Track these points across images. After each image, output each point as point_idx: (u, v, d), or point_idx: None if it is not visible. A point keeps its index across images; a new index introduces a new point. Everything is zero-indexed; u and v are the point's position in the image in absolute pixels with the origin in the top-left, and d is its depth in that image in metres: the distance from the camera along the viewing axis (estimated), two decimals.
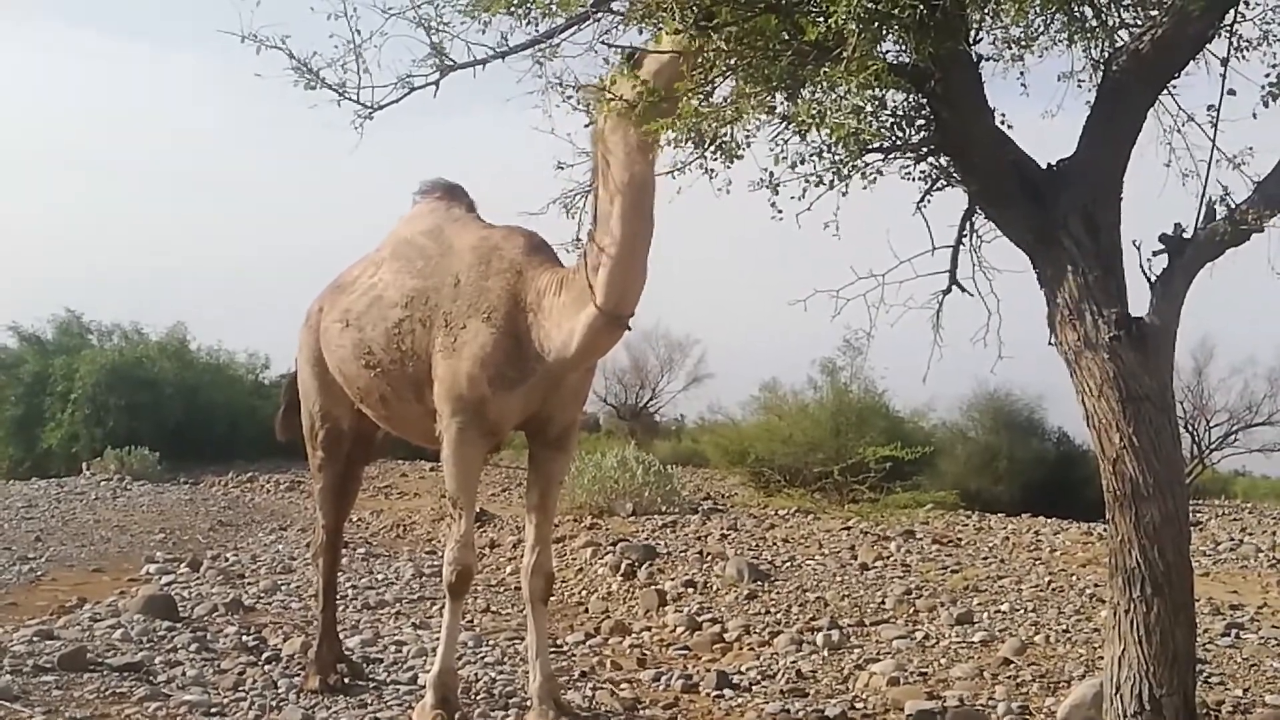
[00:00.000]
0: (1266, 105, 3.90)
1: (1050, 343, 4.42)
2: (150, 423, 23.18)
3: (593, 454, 15.90)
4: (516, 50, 4.74)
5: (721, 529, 12.80)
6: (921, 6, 3.65)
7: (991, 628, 7.34)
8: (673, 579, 8.96)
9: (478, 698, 5.73)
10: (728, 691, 6.06)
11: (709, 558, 9.67)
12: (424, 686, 5.41)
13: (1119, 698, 4.18)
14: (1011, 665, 6.44)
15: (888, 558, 10.41)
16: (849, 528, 13.37)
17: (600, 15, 4.57)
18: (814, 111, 3.73)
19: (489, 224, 5.44)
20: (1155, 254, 4.27)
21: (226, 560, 10.83)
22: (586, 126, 4.74)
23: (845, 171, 4.17)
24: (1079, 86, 4.58)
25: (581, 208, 5.13)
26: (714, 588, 8.65)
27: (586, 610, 8.57)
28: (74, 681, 5.55)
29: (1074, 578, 9.25)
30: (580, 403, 5.44)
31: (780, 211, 4.06)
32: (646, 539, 11.35)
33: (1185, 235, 4.26)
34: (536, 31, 4.66)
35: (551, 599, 5.84)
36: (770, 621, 7.64)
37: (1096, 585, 8.55)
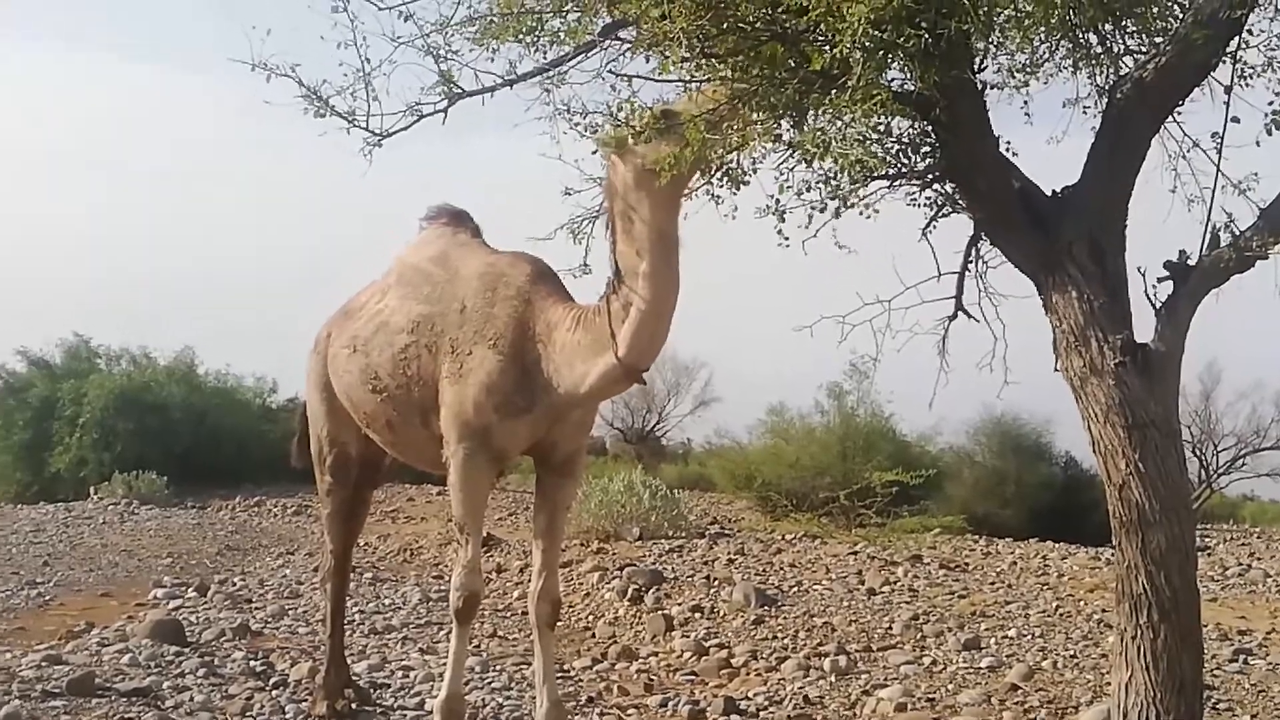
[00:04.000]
0: (1270, 133, 3.92)
1: (1056, 369, 4.43)
2: (158, 447, 23.18)
3: (600, 478, 15.90)
4: (525, 78, 4.79)
5: (729, 554, 12.80)
6: (926, 36, 3.68)
7: (999, 653, 7.33)
8: (679, 604, 8.96)
9: None
10: (735, 718, 6.06)
11: (716, 582, 9.67)
12: (431, 712, 5.43)
13: None
14: (1019, 691, 6.43)
15: (895, 583, 10.40)
16: (855, 553, 13.38)
17: (608, 44, 4.60)
18: (819, 140, 3.76)
19: (495, 250, 5.47)
20: (1160, 280, 4.28)
21: (234, 585, 10.83)
22: (599, 163, 4.77)
23: (850, 199, 4.21)
24: (1084, 113, 4.60)
25: (589, 234, 5.17)
26: (721, 613, 8.65)
27: (593, 635, 8.56)
28: (82, 707, 5.55)
29: (1081, 603, 9.24)
30: (586, 430, 5.46)
31: (786, 239, 4.09)
32: (653, 564, 11.33)
33: (1190, 262, 4.27)
34: (544, 59, 4.71)
35: (558, 624, 5.85)
36: (777, 647, 7.64)
37: (1104, 610, 8.54)
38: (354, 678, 6.33)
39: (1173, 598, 4.14)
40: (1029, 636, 7.81)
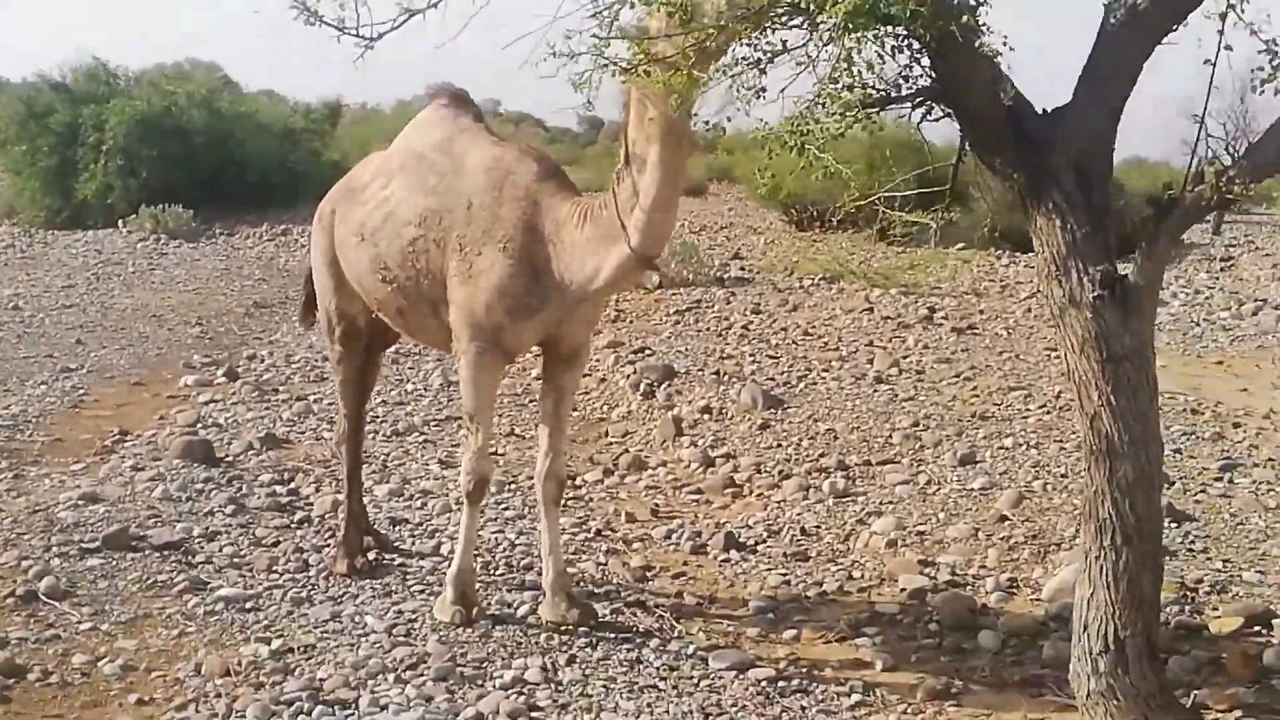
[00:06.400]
0: (1254, 90, 3.84)
1: (1038, 291, 4.48)
2: (183, 173, 23.35)
3: None
4: None
5: (744, 314, 13.07)
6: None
7: (993, 470, 7.62)
8: (689, 402, 9.26)
9: (496, 573, 6.07)
10: (734, 554, 6.41)
11: (726, 378, 9.92)
12: (449, 559, 5.80)
13: (1086, 636, 4.42)
14: (1006, 523, 6.73)
15: (904, 360, 10.64)
16: (871, 308, 13.60)
17: None
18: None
19: (499, 140, 5.48)
20: (1143, 217, 4.28)
21: (261, 362, 11.20)
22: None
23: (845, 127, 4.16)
24: None
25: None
26: (729, 414, 8.95)
27: (607, 434, 8.88)
28: (117, 568, 5.93)
29: None
30: (594, 324, 5.65)
31: None
32: (668, 336, 11.64)
33: (1173, 195, 4.25)
34: None
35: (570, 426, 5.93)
36: (780, 459, 7.94)
37: None
38: (374, 509, 6.74)
39: (1136, 524, 4.32)
40: (1024, 447, 8.07)
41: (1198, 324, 13.89)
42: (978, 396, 9.44)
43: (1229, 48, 4.10)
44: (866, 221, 19.10)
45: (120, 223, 21.95)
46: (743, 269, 17.07)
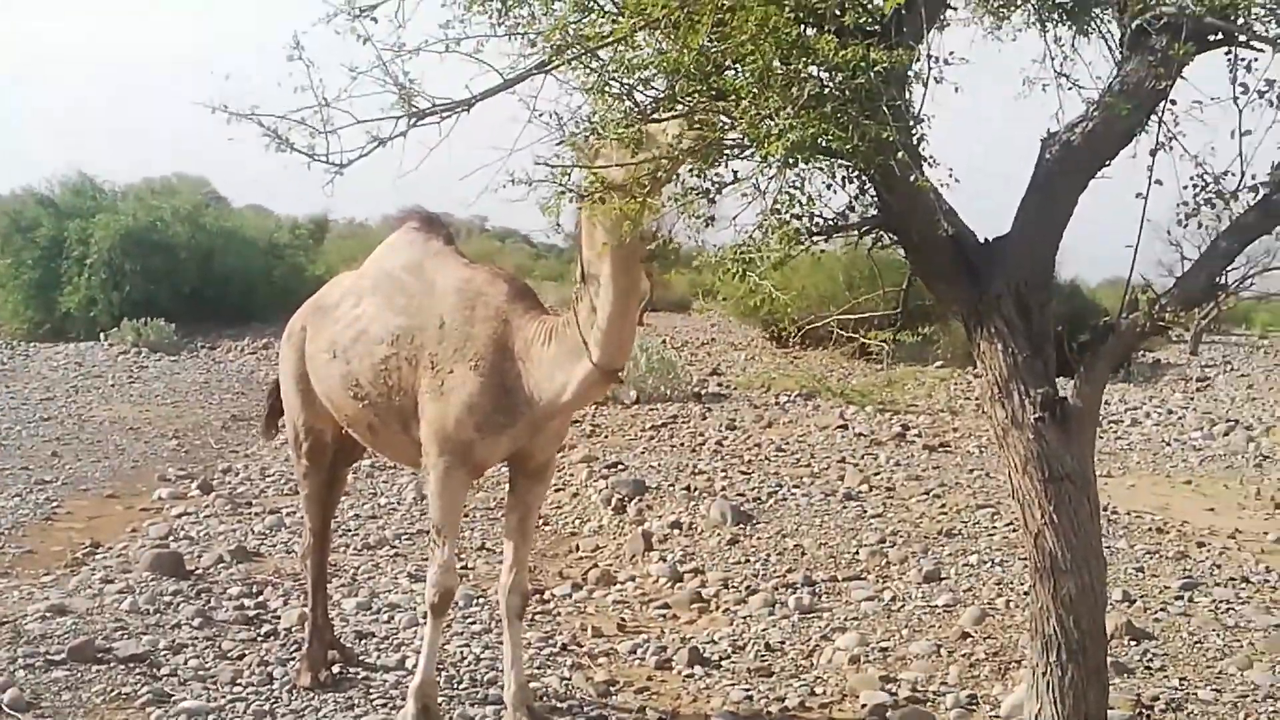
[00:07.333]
0: (1182, 225, 4.04)
1: (982, 412, 4.62)
2: (166, 287, 23.68)
3: None
4: (489, 94, 4.82)
5: (719, 429, 13.21)
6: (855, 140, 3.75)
7: (957, 587, 7.69)
8: (660, 517, 9.34)
9: (459, 687, 6.10)
10: (698, 669, 6.44)
11: (696, 493, 10.01)
12: (411, 672, 5.84)
13: None
14: (968, 639, 6.79)
15: (876, 476, 10.77)
16: (845, 425, 13.75)
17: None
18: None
19: (469, 262, 5.64)
20: (1080, 342, 4.44)
21: (236, 475, 11.26)
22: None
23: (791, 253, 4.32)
24: None
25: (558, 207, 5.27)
26: (698, 529, 9.02)
27: (577, 548, 8.95)
28: (82, 679, 5.94)
29: None
30: (560, 439, 5.76)
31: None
32: (642, 451, 11.76)
33: (1109, 322, 4.42)
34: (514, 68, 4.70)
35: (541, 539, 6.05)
36: (748, 574, 8.00)
37: None
38: (342, 622, 6.78)
39: (1080, 640, 4.42)
40: (989, 565, 8.15)
41: (1169, 444, 14.07)
42: (945, 513, 9.54)
43: (1159, 182, 4.31)
44: (845, 339, 19.32)
45: (102, 335, 22.17)
46: (720, 385, 17.27)
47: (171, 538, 8.85)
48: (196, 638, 6.66)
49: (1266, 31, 4.00)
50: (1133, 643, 6.66)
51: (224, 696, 5.85)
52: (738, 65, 3.83)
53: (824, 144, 3.74)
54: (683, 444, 12.57)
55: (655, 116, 4.19)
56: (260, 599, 7.45)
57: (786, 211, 3.93)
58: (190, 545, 8.65)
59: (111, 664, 6.17)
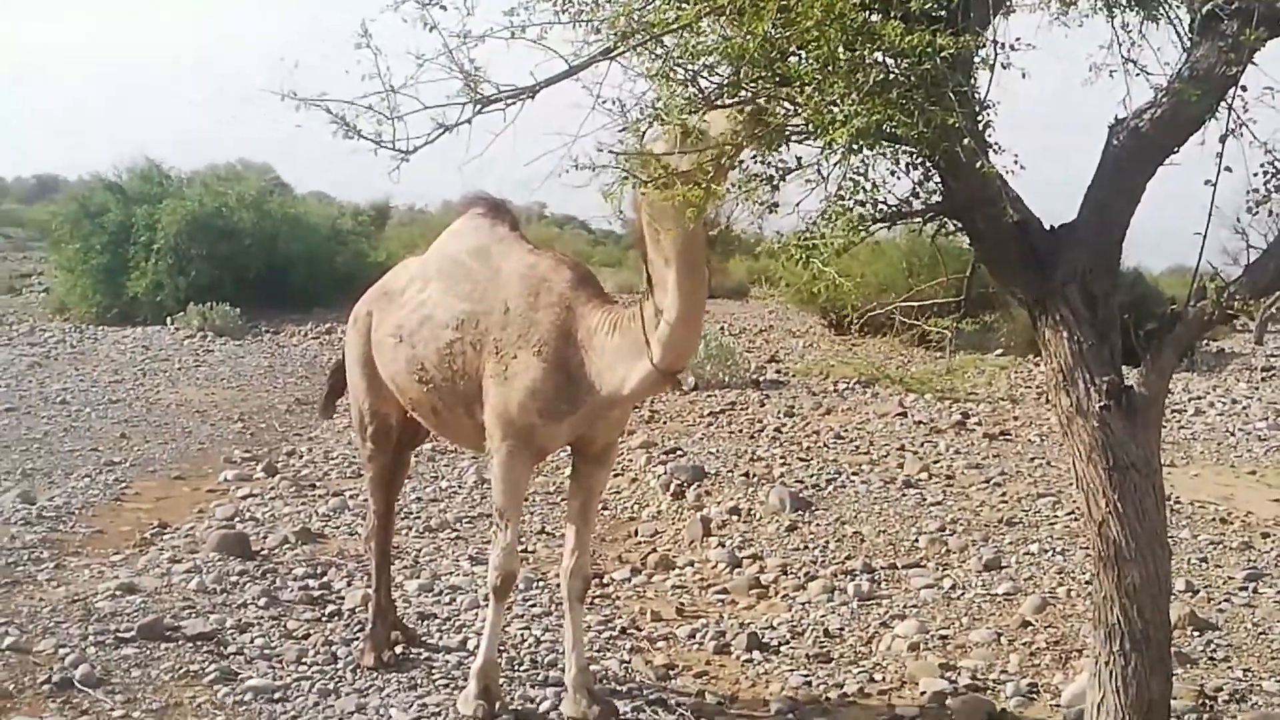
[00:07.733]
0: (1252, 212, 3.99)
1: (1047, 402, 4.59)
2: (231, 272, 23.94)
3: None
4: (552, 82, 4.85)
5: (778, 416, 13.19)
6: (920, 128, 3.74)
7: (1018, 575, 7.66)
8: (719, 503, 9.35)
9: (520, 669, 6.17)
10: (757, 654, 6.47)
11: (755, 480, 10.02)
12: (473, 653, 5.92)
13: None
14: (1029, 628, 6.76)
15: (934, 466, 10.71)
16: (905, 413, 13.68)
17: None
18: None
19: (533, 248, 5.67)
20: (1146, 330, 4.40)
21: (300, 458, 11.41)
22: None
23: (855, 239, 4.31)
24: None
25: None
26: (757, 515, 9.03)
27: (636, 533, 8.99)
28: (150, 657, 6.07)
29: None
30: (623, 425, 5.80)
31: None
32: (700, 438, 11.77)
33: (1176, 311, 4.38)
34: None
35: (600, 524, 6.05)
36: (807, 561, 8.01)
37: None
38: (404, 605, 6.87)
39: (1144, 630, 4.40)
40: (1050, 554, 8.10)
41: (1233, 433, 13.85)
42: (1006, 502, 9.48)
43: (1229, 169, 4.27)
44: (905, 326, 19.22)
45: (168, 320, 22.47)
46: (778, 372, 17.22)
47: (237, 519, 8.99)
48: (262, 617, 6.78)
49: None
50: (1196, 633, 6.61)
51: (289, 675, 5.96)
52: (802, 51, 3.82)
53: (889, 130, 3.74)
54: (741, 430, 12.58)
55: (719, 103, 4.22)
56: (324, 580, 7.55)
57: (850, 198, 3.94)
58: (256, 526, 8.78)
59: (180, 642, 6.29)
